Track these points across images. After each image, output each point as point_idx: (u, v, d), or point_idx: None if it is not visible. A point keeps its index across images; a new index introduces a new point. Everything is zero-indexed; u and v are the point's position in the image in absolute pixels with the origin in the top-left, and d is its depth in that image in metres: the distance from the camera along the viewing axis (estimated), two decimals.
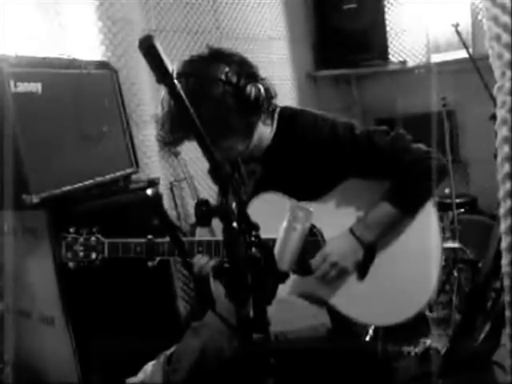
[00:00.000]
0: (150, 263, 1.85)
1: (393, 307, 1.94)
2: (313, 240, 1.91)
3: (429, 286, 1.94)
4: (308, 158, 1.92)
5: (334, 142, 1.90)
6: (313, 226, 1.90)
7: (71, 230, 1.90)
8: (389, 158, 1.90)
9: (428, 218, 1.97)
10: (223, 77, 1.76)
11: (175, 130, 1.78)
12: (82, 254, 1.87)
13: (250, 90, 1.79)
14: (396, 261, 1.94)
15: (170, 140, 1.86)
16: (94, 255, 1.86)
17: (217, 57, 1.82)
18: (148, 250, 1.85)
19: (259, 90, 1.82)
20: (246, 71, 1.82)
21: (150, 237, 1.86)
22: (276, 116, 1.99)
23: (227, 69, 1.77)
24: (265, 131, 1.97)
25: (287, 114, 2.00)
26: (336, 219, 1.94)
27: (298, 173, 1.93)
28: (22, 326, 2.43)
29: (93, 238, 1.88)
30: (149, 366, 2.05)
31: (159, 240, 1.85)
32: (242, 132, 1.87)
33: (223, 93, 1.76)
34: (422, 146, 1.93)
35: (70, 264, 1.87)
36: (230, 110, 1.78)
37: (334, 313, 1.95)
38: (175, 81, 1.02)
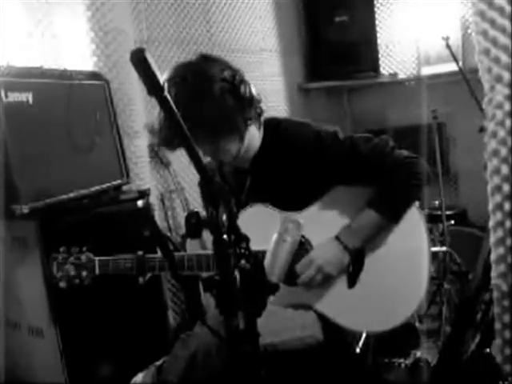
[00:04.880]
0: (140, 279, 1.84)
1: (383, 313, 1.94)
2: (302, 249, 1.91)
3: (418, 292, 1.94)
4: (294, 166, 1.93)
5: (319, 148, 1.91)
6: (301, 236, 1.90)
7: (61, 249, 1.88)
8: (371, 163, 1.90)
9: (416, 225, 1.98)
10: (220, 75, 1.80)
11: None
12: (72, 273, 1.85)
13: (245, 87, 1.84)
14: (385, 267, 1.94)
15: (171, 144, 1.85)
16: (84, 273, 1.85)
17: (208, 59, 1.87)
18: (139, 266, 1.84)
19: (252, 88, 1.88)
20: (236, 73, 1.86)
21: (140, 252, 1.85)
22: (262, 125, 2.01)
23: (221, 67, 1.82)
24: (254, 134, 1.98)
25: (273, 124, 2.03)
26: (324, 227, 1.94)
27: (285, 181, 1.95)
28: (10, 336, 2.41)
29: (83, 257, 1.87)
30: (139, 378, 2.03)
31: (149, 256, 1.84)
32: (238, 131, 1.87)
33: (221, 89, 1.79)
34: (405, 152, 1.94)
35: (62, 284, 1.86)
36: (228, 106, 1.80)
37: (326, 323, 1.94)
38: (166, 94, 1.02)
